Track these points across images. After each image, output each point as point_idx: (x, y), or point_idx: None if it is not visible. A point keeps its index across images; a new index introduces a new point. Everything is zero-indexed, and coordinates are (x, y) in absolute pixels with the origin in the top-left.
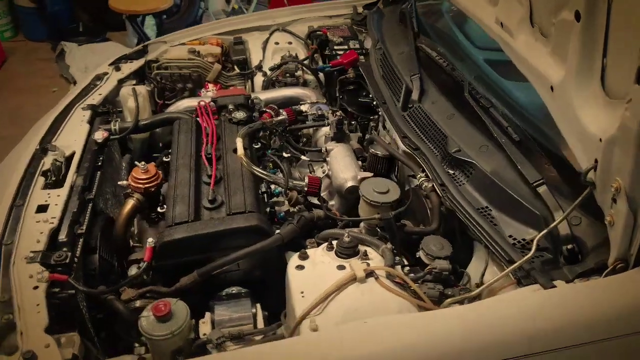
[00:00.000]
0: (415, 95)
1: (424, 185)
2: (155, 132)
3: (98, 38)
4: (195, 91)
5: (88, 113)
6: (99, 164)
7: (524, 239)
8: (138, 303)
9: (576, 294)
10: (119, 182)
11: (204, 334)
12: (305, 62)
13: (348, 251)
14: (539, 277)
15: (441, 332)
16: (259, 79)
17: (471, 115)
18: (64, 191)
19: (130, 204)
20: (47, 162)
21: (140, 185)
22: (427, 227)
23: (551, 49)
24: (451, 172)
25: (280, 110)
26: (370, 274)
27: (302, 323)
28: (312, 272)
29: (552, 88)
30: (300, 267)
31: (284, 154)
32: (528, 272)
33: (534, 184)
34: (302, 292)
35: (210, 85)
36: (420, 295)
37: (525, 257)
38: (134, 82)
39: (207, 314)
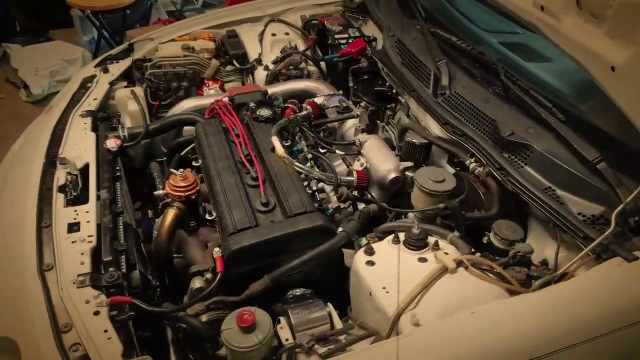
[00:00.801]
0: (445, 81)
1: (477, 171)
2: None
3: (41, 37)
4: (190, 90)
5: (89, 120)
6: (117, 174)
7: (593, 215)
8: (205, 317)
9: None
10: (155, 192)
11: (286, 340)
12: (308, 52)
13: (418, 243)
14: (619, 250)
15: (549, 314)
16: (260, 74)
17: (510, 98)
18: (91, 206)
19: (172, 214)
20: (60, 176)
21: (181, 194)
22: (489, 212)
23: (607, 30)
24: (506, 155)
25: (303, 105)
26: (459, 263)
27: (401, 319)
28: (386, 267)
29: (613, 69)
30: (370, 263)
31: (320, 150)
32: (607, 247)
33: (594, 161)
34: (384, 288)
35: (211, 83)
36: (509, 280)
37: (607, 232)
38: (125, 83)
39: (282, 319)
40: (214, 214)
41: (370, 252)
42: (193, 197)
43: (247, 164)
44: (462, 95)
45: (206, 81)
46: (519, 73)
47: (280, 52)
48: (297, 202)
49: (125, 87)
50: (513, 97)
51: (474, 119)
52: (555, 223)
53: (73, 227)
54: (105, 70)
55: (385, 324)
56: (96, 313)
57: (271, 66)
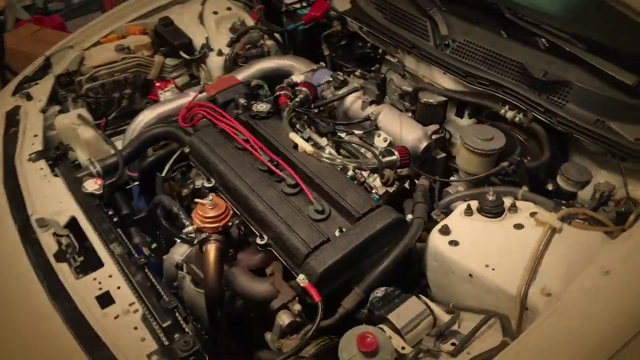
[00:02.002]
0: (444, 30)
1: (517, 119)
2: None
3: None
4: (134, 96)
5: (43, 164)
6: (115, 219)
7: None
8: (312, 349)
9: None
10: (184, 230)
11: (402, 347)
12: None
13: (497, 209)
14: None
15: None
16: (214, 61)
17: (521, 36)
18: (111, 268)
19: (214, 250)
20: (48, 242)
21: (216, 224)
22: (542, 159)
23: None
24: (545, 96)
25: (297, 88)
26: (563, 219)
27: (530, 294)
28: (475, 243)
29: None
30: (454, 243)
31: (342, 135)
32: None
33: (635, 85)
34: (487, 266)
35: (163, 84)
36: (606, 223)
37: None
38: (58, 108)
39: (385, 327)
40: (265, 237)
41: (446, 231)
42: (230, 224)
43: (276, 170)
44: (475, 42)
45: (156, 83)
46: (521, 8)
47: (230, 31)
48: (357, 200)
49: (60, 111)
50: (523, 35)
51: (497, 65)
52: (615, 153)
53: (105, 300)
54: (29, 97)
55: (506, 302)
56: None
57: (226, 50)
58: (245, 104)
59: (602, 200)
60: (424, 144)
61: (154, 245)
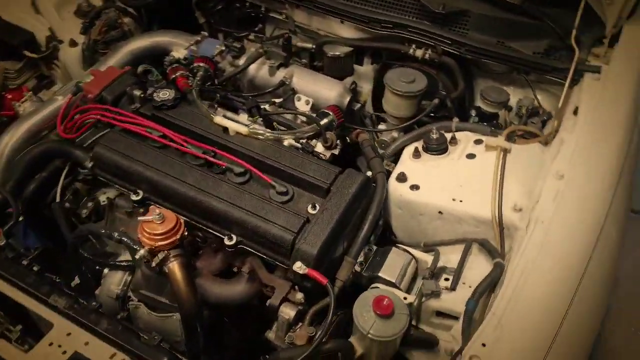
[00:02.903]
0: None
1: (427, 55)
2: None
3: None
4: None
5: None
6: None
7: (545, 50)
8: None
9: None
10: (137, 256)
11: (405, 298)
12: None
13: (442, 145)
14: (586, 68)
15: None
16: (68, 54)
17: None
18: (64, 325)
19: (178, 267)
20: None
21: (173, 239)
22: (460, 89)
23: None
24: (447, 28)
25: (193, 66)
26: (509, 138)
27: (505, 216)
28: (434, 182)
29: None
30: (414, 187)
31: (267, 108)
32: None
33: (521, 4)
34: (454, 200)
35: (15, 94)
36: (538, 133)
37: (575, 57)
38: None
39: (379, 285)
40: (233, 236)
41: (403, 178)
42: (185, 234)
43: (217, 162)
44: None
45: (6, 95)
46: None
47: (77, 15)
48: (318, 170)
49: None
50: None
51: (395, 6)
52: (520, 69)
53: None
54: None
55: (482, 227)
56: None
57: (80, 38)
58: (142, 95)
59: (529, 113)
60: (347, 99)
61: (74, 283)
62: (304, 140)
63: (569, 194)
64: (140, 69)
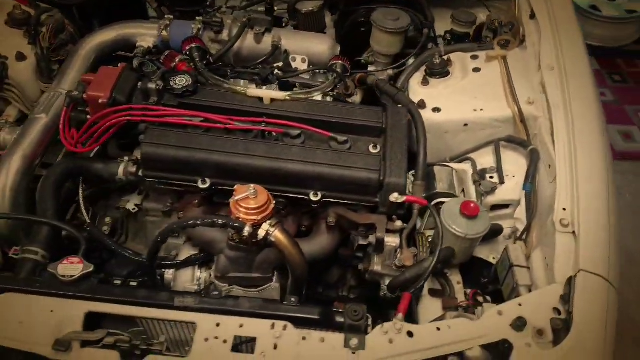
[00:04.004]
0: None
1: None
2: None
3: None
4: None
5: None
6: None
7: None
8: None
9: None
10: (244, 233)
11: None
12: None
13: (445, 69)
14: None
15: None
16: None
17: None
18: (225, 321)
19: (281, 235)
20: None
21: (269, 210)
22: (431, 16)
23: None
24: None
25: (188, 48)
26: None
27: (524, 109)
28: (450, 100)
29: None
30: (436, 110)
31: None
32: None
33: None
34: (475, 110)
35: None
36: (514, 39)
37: None
38: None
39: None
40: (318, 193)
41: (423, 104)
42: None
43: (274, 129)
44: None
45: None
46: None
47: (10, 25)
48: (365, 112)
49: None
50: None
51: None
52: None
53: None
54: None
55: (504, 126)
56: None
57: (27, 49)
58: (159, 87)
59: (501, 26)
60: (338, 49)
61: None
62: (333, 93)
63: (564, 79)
64: (135, 62)
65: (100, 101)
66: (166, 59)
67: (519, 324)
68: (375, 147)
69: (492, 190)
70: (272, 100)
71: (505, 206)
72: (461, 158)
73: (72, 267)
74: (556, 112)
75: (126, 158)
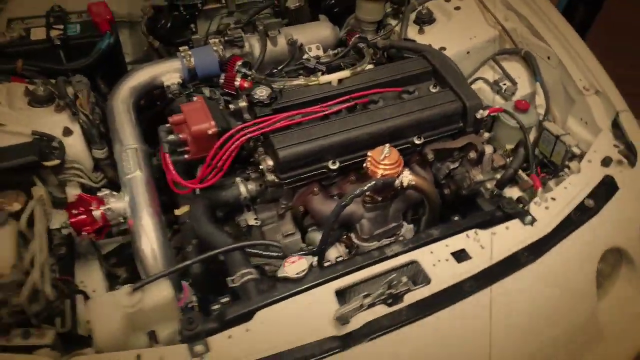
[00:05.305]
0: None
1: None
2: None
3: None
4: None
5: None
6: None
7: None
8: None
9: None
10: (396, 183)
11: None
12: None
13: (432, 15)
14: None
15: None
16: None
17: None
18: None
19: (418, 177)
20: None
21: (401, 161)
22: None
23: None
24: None
25: (237, 64)
26: None
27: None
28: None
29: None
30: (442, 49)
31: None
32: None
33: None
34: (470, 38)
35: None
36: None
37: None
38: None
39: None
40: (421, 137)
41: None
42: None
43: (362, 100)
44: None
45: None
46: None
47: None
48: (412, 65)
49: None
50: None
51: None
52: None
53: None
54: None
55: (491, 44)
56: None
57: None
58: (247, 104)
59: None
60: (338, 29)
61: None
62: (374, 59)
63: None
64: (207, 92)
65: (210, 132)
66: (227, 82)
67: (607, 161)
68: (434, 86)
69: (514, 92)
70: (339, 81)
71: None
72: (470, 80)
73: (296, 266)
74: (531, 18)
75: (238, 179)
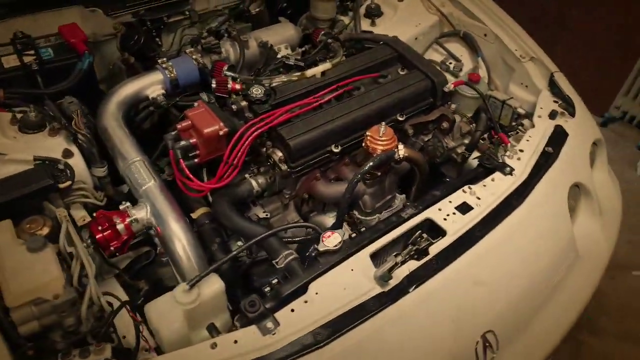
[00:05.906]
0: None
1: None
2: None
3: None
4: None
5: None
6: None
7: None
8: None
9: None
10: (396, 155)
11: None
12: None
13: (379, 11)
14: None
15: None
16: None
17: None
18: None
19: (410, 149)
20: None
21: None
22: None
23: None
24: None
25: (223, 69)
26: None
27: (447, 13)
28: (400, 27)
29: None
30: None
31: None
32: None
33: None
34: (416, 25)
35: None
36: None
37: None
38: None
39: None
40: (403, 114)
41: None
42: None
43: (349, 87)
44: None
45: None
46: None
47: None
48: (378, 53)
49: None
50: None
51: None
52: None
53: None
54: None
55: (434, 30)
56: None
57: (65, 144)
58: (247, 104)
59: None
60: (300, 29)
61: None
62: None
63: None
64: (205, 97)
65: (221, 133)
66: (219, 86)
67: (553, 114)
68: (402, 69)
69: (461, 68)
70: (323, 73)
71: None
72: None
73: (333, 239)
74: (464, 1)
75: (247, 175)
